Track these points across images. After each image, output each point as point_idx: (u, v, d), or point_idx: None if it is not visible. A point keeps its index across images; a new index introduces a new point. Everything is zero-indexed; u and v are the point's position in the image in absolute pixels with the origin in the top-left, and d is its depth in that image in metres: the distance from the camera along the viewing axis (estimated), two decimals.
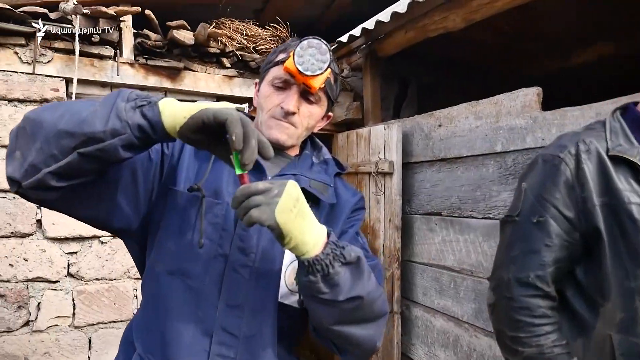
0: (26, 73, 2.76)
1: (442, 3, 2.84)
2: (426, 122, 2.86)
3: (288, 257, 1.15)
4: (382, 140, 3.04)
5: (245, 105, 1.13)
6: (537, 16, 3.40)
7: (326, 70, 1.12)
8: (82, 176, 0.92)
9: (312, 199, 1.20)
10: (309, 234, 0.93)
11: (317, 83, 1.15)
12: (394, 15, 2.82)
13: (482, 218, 2.41)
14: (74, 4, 2.57)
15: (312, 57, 1.12)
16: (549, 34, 3.74)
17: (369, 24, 3.04)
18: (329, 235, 0.99)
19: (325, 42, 1.13)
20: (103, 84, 2.97)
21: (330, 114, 1.36)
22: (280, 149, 1.25)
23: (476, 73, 4.38)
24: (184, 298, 1.10)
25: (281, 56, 1.21)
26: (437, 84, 4.33)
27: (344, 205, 1.28)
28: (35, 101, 2.78)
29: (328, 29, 3.85)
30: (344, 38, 3.32)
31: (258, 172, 1.18)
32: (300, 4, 3.97)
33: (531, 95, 2.20)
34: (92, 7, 2.69)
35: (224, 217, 1.11)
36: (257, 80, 1.31)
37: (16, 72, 2.74)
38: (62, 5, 2.66)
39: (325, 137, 3.82)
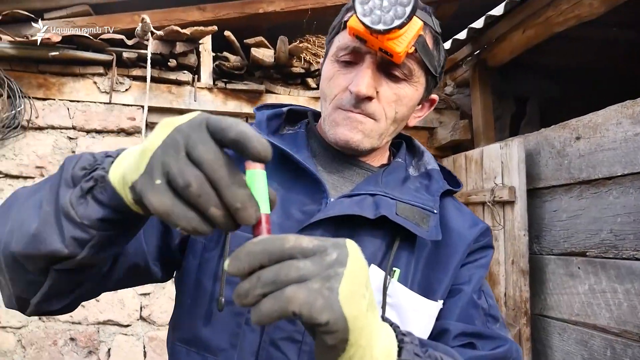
0: (104, 103, 2.65)
1: None
2: (557, 136, 2.22)
3: None
4: (499, 162, 2.44)
5: None
6: None
7: (410, 18, 0.68)
8: (84, 284, 0.65)
9: (401, 234, 0.76)
10: (378, 342, 0.49)
11: (402, 45, 0.71)
12: (509, 5, 2.28)
13: None
14: (143, 22, 2.41)
15: (385, 0, 0.69)
16: None
17: (478, 22, 2.53)
18: (401, 347, 0.54)
19: None
20: (181, 111, 2.78)
21: (433, 96, 0.89)
22: (354, 154, 0.83)
23: (619, 81, 3.58)
24: None
25: (347, 15, 0.78)
26: (566, 99, 3.61)
27: (456, 243, 0.81)
28: (112, 131, 2.65)
29: None
30: (446, 45, 2.83)
31: (316, 190, 0.77)
32: None
33: None
34: (166, 28, 2.51)
35: None
36: (321, 61, 0.90)
37: (94, 102, 2.64)
38: (137, 29, 2.53)
39: None
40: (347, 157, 0.83)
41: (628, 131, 1.85)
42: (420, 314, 0.74)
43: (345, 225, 0.74)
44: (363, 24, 0.69)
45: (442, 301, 0.77)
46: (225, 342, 0.73)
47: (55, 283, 0.59)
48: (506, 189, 2.32)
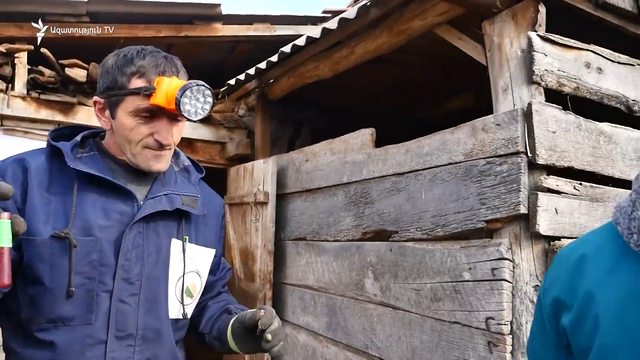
0: None
1: (313, 55, 3.26)
2: (297, 158, 3.21)
3: (174, 272, 1.19)
4: (262, 174, 3.35)
5: None
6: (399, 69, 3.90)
7: (214, 106, 1.26)
8: None
9: (185, 215, 1.21)
10: None
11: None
12: (282, 55, 3.19)
13: (333, 241, 2.74)
14: None
15: (195, 101, 1.08)
16: (422, 84, 4.27)
17: (263, 64, 3.41)
18: None
19: (207, 86, 1.09)
20: None
21: None
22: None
23: (367, 118, 4.84)
24: (68, 342, 1.04)
25: (137, 83, 1.07)
26: (329, 128, 4.75)
27: (215, 214, 1.34)
28: None
29: (236, 72, 4.10)
30: (240, 77, 3.67)
31: (127, 197, 1.13)
32: (204, 49, 4.33)
33: (367, 134, 2.60)
34: None
35: (100, 253, 1.07)
36: (97, 99, 1.15)
37: None
38: None
39: (221, 171, 4.11)
40: (135, 169, 1.16)
41: (328, 159, 2.88)
42: (206, 257, 1.27)
43: (151, 218, 1.13)
44: (184, 116, 1.06)
45: (214, 250, 1.29)
46: (84, 310, 1.04)
47: None
48: (263, 193, 3.23)
